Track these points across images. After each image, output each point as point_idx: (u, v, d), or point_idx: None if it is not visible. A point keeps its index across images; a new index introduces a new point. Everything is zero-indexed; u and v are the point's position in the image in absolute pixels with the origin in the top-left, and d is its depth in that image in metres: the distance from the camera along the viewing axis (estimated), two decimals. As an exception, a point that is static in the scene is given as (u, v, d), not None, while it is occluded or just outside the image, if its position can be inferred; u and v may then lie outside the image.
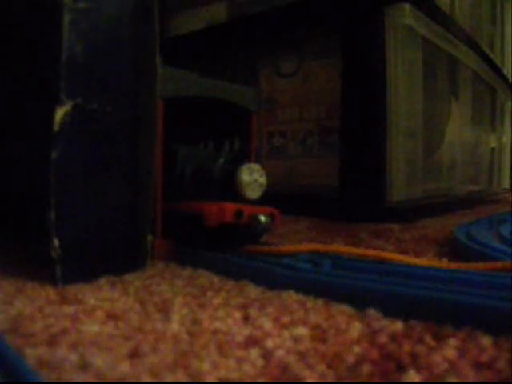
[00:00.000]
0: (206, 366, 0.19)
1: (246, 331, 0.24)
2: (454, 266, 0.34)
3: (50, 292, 0.31)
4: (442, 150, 0.89)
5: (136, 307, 0.28)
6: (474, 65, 1.01)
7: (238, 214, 0.39)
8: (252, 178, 0.41)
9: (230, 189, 0.42)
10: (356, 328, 0.24)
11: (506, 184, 1.41)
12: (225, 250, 0.40)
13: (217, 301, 0.29)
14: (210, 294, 0.31)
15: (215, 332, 0.24)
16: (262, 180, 0.42)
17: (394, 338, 0.22)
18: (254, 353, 0.21)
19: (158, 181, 0.42)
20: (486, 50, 1.12)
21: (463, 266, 0.34)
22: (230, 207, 0.39)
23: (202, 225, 0.39)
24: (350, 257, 0.37)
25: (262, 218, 0.40)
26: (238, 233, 0.42)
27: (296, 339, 0.23)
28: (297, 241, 0.52)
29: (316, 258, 0.37)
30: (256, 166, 0.42)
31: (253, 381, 0.19)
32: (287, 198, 0.80)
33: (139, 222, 0.38)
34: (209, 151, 0.52)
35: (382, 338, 0.22)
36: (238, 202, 0.40)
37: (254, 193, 0.42)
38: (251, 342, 0.22)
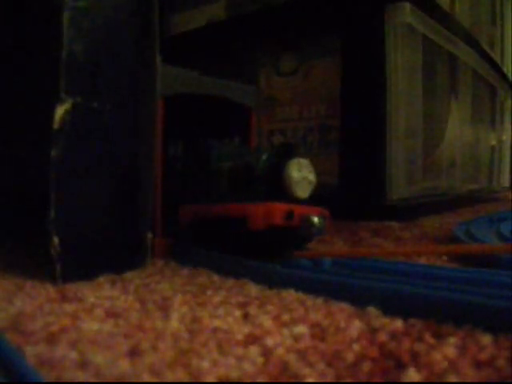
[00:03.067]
0: (205, 364, 0.19)
1: (246, 329, 0.24)
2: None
3: (50, 290, 0.31)
4: (441, 148, 0.89)
5: (136, 305, 0.28)
6: (473, 63, 1.01)
7: (289, 215, 0.34)
8: (301, 174, 0.36)
9: (276, 187, 0.37)
10: (356, 326, 0.24)
11: (505, 182, 1.41)
12: (272, 258, 0.35)
13: (217, 299, 0.29)
14: (209, 292, 0.31)
15: (215, 330, 0.24)
16: (312, 177, 0.37)
17: (393, 336, 0.22)
18: (254, 351, 0.21)
19: (157, 179, 0.42)
20: (486, 48, 1.12)
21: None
22: (280, 207, 0.34)
23: (244, 229, 0.35)
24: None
25: (316, 220, 0.35)
26: (287, 237, 0.37)
27: (296, 337, 0.23)
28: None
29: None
30: (305, 161, 0.37)
31: (253, 379, 0.19)
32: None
33: (139, 220, 0.38)
34: (246, 146, 0.46)
35: (382, 337, 0.22)
36: (285, 202, 0.36)
37: (303, 191, 0.36)
38: (251, 340, 0.22)
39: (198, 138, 0.61)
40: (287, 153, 0.37)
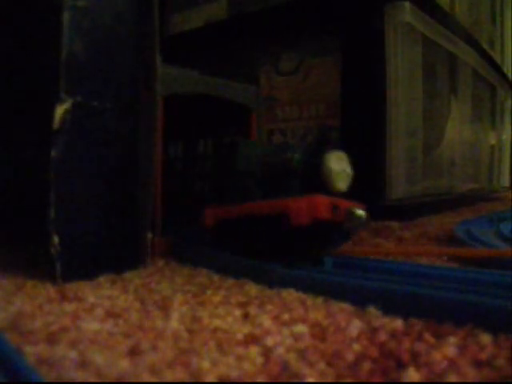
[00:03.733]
0: (205, 364, 0.19)
1: (246, 329, 0.24)
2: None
3: (50, 290, 0.31)
4: (441, 147, 0.89)
5: (136, 305, 0.28)
6: (473, 63, 1.01)
7: (334, 208, 0.32)
8: (340, 166, 0.35)
9: (314, 181, 0.35)
10: (356, 326, 0.24)
11: (505, 182, 1.41)
12: (318, 256, 0.34)
13: (216, 299, 0.29)
14: (209, 291, 0.31)
15: (215, 330, 0.24)
16: (349, 169, 0.36)
17: (393, 335, 0.22)
18: (254, 350, 0.21)
19: (157, 178, 0.41)
20: (486, 47, 1.12)
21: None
22: (325, 200, 0.32)
23: (285, 226, 0.33)
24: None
25: (361, 212, 0.33)
26: (331, 233, 0.35)
27: (296, 337, 0.23)
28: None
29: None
30: (342, 154, 0.36)
31: (253, 378, 0.19)
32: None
33: (139, 220, 0.38)
34: (272, 143, 0.45)
35: (382, 336, 0.22)
36: (325, 190, 0.34)
37: (343, 184, 0.35)
38: (251, 339, 0.22)
39: (196, 137, 0.61)
40: (324, 146, 0.36)
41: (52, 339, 0.22)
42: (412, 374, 0.18)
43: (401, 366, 0.19)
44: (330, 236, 0.35)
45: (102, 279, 0.34)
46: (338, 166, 0.35)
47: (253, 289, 0.31)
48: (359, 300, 0.27)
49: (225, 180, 0.40)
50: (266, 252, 0.35)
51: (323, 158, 0.35)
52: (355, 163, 0.36)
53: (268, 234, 0.35)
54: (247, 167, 0.39)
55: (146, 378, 0.18)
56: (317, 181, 0.35)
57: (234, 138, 0.42)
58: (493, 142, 1.27)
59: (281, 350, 0.21)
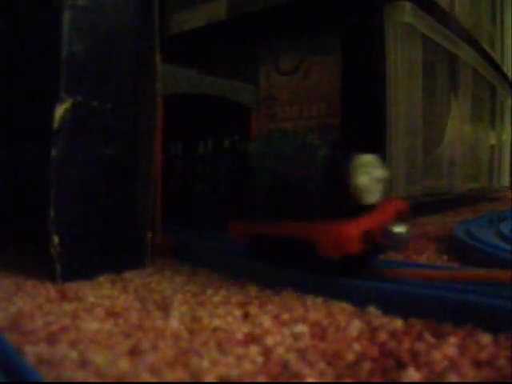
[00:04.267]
0: (205, 364, 0.19)
1: (246, 329, 0.24)
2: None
3: (50, 289, 0.31)
4: (441, 147, 0.89)
5: (136, 305, 0.28)
6: (473, 62, 1.01)
7: (368, 236, 0.28)
8: (367, 175, 0.29)
9: (340, 194, 0.29)
10: (356, 325, 0.24)
11: (505, 182, 1.41)
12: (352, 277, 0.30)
13: (216, 298, 0.29)
14: (209, 291, 0.31)
15: (215, 330, 0.24)
16: (380, 173, 0.30)
17: (393, 335, 0.22)
18: (254, 350, 0.21)
19: (157, 178, 0.41)
20: (486, 47, 1.12)
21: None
22: (355, 231, 0.27)
23: (313, 256, 0.29)
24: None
25: (400, 229, 0.29)
26: (368, 255, 0.30)
27: (296, 337, 0.23)
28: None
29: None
30: (368, 157, 0.30)
31: (253, 378, 0.19)
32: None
33: (139, 220, 0.38)
34: (289, 141, 0.35)
35: (382, 336, 0.22)
36: (354, 208, 0.29)
37: (374, 195, 0.29)
38: (251, 339, 0.22)
39: (196, 137, 0.61)
40: (345, 150, 0.30)
41: (52, 339, 0.22)
42: (412, 373, 0.18)
43: (401, 365, 0.19)
44: (364, 260, 0.31)
45: (101, 279, 0.34)
46: (364, 176, 0.29)
47: (253, 289, 0.31)
48: (359, 300, 0.27)
49: (238, 190, 0.35)
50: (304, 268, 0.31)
51: (347, 166, 0.29)
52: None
53: (297, 257, 0.31)
54: (261, 176, 0.34)
55: (146, 377, 0.18)
56: (340, 193, 0.29)
57: (236, 142, 0.40)
58: (493, 141, 1.27)
59: (281, 350, 0.21)
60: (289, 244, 0.31)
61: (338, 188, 0.29)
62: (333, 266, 0.29)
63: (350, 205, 0.29)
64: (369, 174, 0.29)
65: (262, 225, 0.33)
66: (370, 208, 0.29)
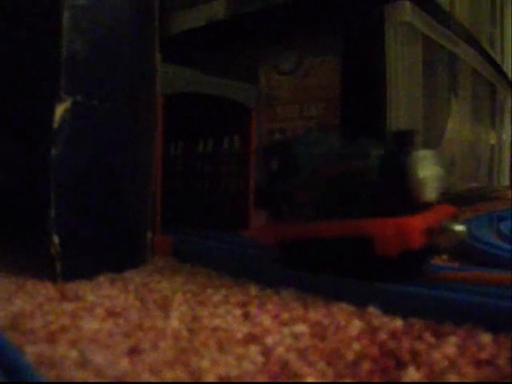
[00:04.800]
0: (205, 363, 0.19)
1: (246, 328, 0.24)
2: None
3: (50, 289, 0.31)
4: (441, 147, 0.89)
5: (136, 304, 0.28)
6: (473, 62, 1.01)
7: (430, 232, 0.27)
8: (428, 171, 0.28)
9: (396, 190, 0.28)
10: (356, 325, 0.24)
11: (505, 181, 1.41)
12: (409, 280, 0.28)
13: (216, 298, 0.29)
14: (209, 291, 0.31)
15: (215, 329, 0.24)
16: (439, 171, 0.29)
17: (393, 335, 0.22)
18: (254, 350, 0.21)
19: (157, 178, 0.41)
20: (486, 47, 1.12)
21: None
22: (418, 225, 0.26)
23: (366, 254, 0.28)
24: None
25: (460, 228, 0.27)
26: (424, 256, 0.29)
27: (296, 336, 0.23)
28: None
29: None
30: (430, 154, 0.29)
31: (253, 378, 0.19)
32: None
33: (139, 219, 0.38)
34: (339, 140, 0.34)
35: (382, 336, 0.22)
36: (411, 207, 0.28)
37: (433, 192, 0.28)
38: (251, 339, 0.22)
39: (196, 137, 0.61)
40: (407, 145, 0.29)
41: (52, 338, 0.22)
42: (412, 373, 0.18)
43: (401, 365, 0.19)
44: (421, 261, 0.29)
45: (101, 278, 0.34)
46: (428, 170, 0.28)
47: (253, 288, 0.31)
48: (359, 300, 0.27)
49: (278, 187, 0.33)
50: (347, 274, 0.29)
51: (408, 161, 0.28)
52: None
53: (343, 260, 0.29)
54: (306, 172, 0.32)
55: (146, 377, 0.18)
56: (400, 189, 0.28)
57: (286, 136, 0.37)
58: (493, 141, 1.27)
59: (281, 350, 0.21)
60: (336, 245, 0.29)
61: (401, 183, 0.28)
62: (389, 265, 0.28)
63: (412, 201, 0.28)
64: (428, 171, 0.28)
65: (303, 226, 0.31)
66: (427, 206, 0.28)
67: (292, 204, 0.33)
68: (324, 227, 0.30)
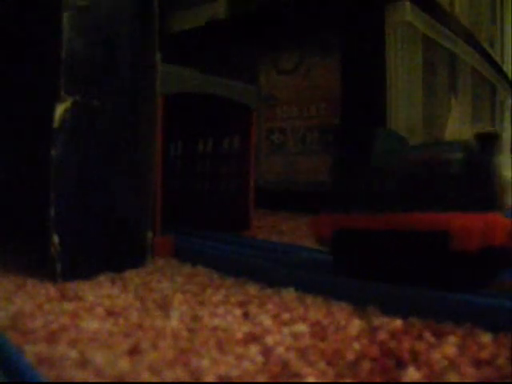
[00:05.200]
0: (205, 363, 0.19)
1: (246, 328, 0.24)
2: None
3: (50, 289, 0.31)
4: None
5: (136, 304, 0.28)
6: (473, 62, 1.01)
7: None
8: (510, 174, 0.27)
9: (476, 190, 0.27)
10: (356, 325, 0.24)
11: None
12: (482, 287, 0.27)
13: (216, 298, 0.29)
14: (209, 291, 0.31)
15: (215, 329, 0.24)
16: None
17: (393, 335, 0.22)
18: (254, 350, 0.21)
19: (157, 178, 0.41)
20: (486, 46, 1.12)
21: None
22: (506, 222, 0.26)
23: (443, 249, 0.26)
24: None
25: None
26: (503, 259, 0.28)
27: (296, 336, 0.23)
28: (296, 237, 0.52)
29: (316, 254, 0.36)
30: (506, 158, 0.28)
31: (253, 378, 0.18)
32: (286, 195, 0.80)
33: (139, 219, 0.38)
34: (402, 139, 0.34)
35: (382, 335, 0.22)
36: (492, 208, 0.27)
37: (509, 196, 0.28)
38: (251, 338, 0.22)
39: (196, 137, 0.61)
40: (493, 146, 0.28)
41: (52, 338, 0.22)
42: (412, 373, 0.18)
43: (401, 365, 0.19)
44: (498, 263, 0.28)
45: (101, 278, 0.34)
46: (509, 174, 0.27)
47: (253, 288, 0.31)
48: (359, 300, 0.27)
49: (351, 180, 0.32)
50: (408, 276, 0.28)
51: (494, 164, 0.27)
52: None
53: (414, 256, 0.28)
54: (386, 165, 0.31)
55: (146, 377, 0.18)
56: (480, 190, 0.27)
57: (369, 127, 0.37)
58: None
59: (281, 349, 0.21)
60: (406, 240, 0.28)
61: (489, 182, 0.27)
62: (466, 261, 0.26)
63: (494, 202, 0.27)
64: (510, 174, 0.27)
65: (370, 217, 0.30)
66: (500, 209, 0.27)
67: (366, 193, 0.32)
68: (397, 218, 0.29)
